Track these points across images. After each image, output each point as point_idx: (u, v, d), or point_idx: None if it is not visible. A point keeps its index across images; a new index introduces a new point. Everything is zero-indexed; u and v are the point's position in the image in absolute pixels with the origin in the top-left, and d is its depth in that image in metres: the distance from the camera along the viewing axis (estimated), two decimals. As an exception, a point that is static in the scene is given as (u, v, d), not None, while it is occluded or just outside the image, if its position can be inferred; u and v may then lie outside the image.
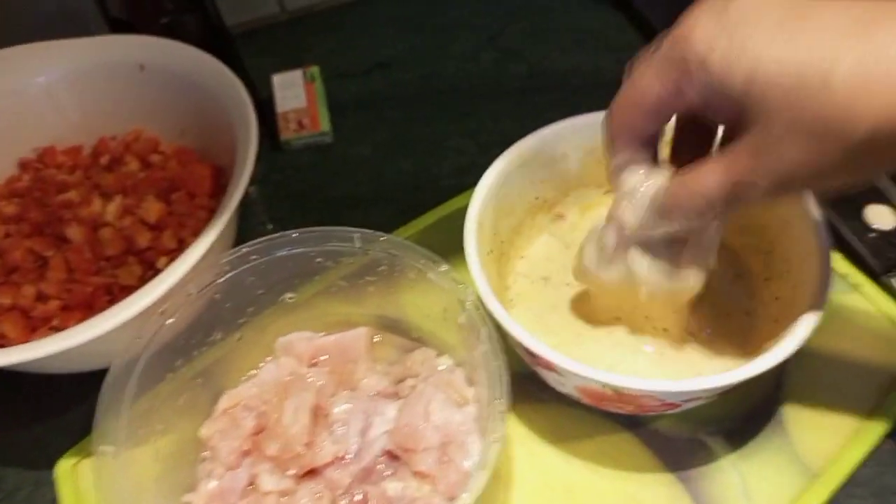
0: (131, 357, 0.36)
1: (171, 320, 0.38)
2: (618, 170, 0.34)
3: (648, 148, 0.33)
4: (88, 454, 0.43)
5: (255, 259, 0.40)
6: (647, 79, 0.30)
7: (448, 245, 0.40)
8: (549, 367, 0.35)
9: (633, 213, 0.33)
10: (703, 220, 0.32)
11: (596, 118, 0.45)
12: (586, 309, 0.42)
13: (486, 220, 0.40)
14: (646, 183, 0.33)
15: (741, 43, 0.26)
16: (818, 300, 0.34)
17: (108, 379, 0.36)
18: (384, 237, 0.39)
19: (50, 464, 0.43)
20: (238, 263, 0.39)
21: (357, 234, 0.40)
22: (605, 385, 0.34)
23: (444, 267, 0.38)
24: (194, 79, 0.48)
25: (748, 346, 0.39)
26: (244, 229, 0.55)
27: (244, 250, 0.40)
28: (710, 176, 0.30)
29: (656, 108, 0.30)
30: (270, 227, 0.56)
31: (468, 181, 0.56)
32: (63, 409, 0.46)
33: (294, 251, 0.40)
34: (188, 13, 0.51)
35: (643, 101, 0.30)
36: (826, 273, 0.34)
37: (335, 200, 0.56)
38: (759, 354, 0.33)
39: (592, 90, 0.62)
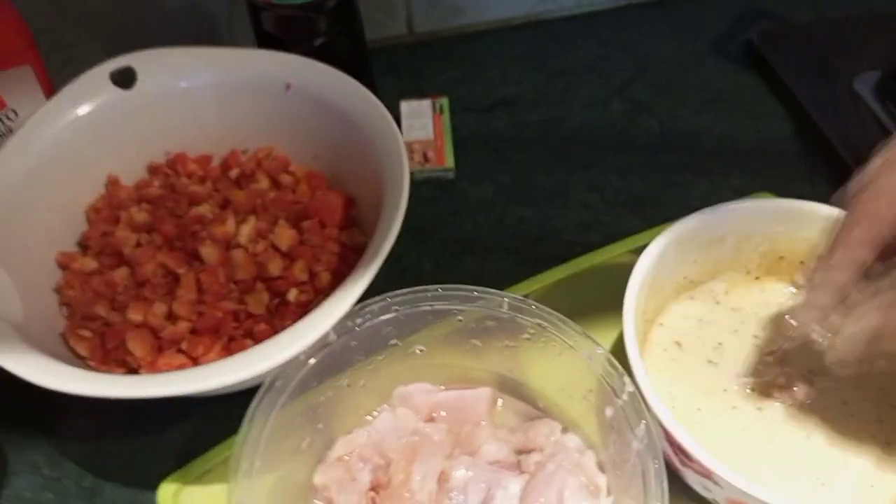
0: (271, 395, 0.35)
1: (307, 366, 0.37)
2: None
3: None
4: (191, 480, 0.42)
5: (397, 310, 0.38)
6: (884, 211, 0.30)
7: (573, 306, 0.39)
8: (706, 475, 0.33)
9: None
10: None
11: (760, 206, 0.43)
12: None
13: (640, 306, 0.39)
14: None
15: None
16: None
17: (249, 415, 0.35)
18: (535, 305, 0.38)
19: (149, 483, 0.42)
20: (380, 313, 0.38)
21: (507, 299, 0.38)
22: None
23: (600, 349, 0.36)
24: (340, 105, 0.47)
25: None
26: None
27: (388, 300, 0.38)
28: None
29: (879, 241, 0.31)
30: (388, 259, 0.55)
31: (593, 239, 0.55)
32: (162, 426, 0.45)
33: (437, 307, 0.39)
34: (340, 36, 0.49)
35: (878, 239, 0.31)
36: None
37: (454, 241, 0.55)
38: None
39: (725, 156, 0.60)
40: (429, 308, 0.39)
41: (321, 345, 0.37)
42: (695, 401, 0.40)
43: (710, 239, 0.42)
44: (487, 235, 0.55)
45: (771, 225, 0.42)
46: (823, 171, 0.57)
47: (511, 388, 0.43)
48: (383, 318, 0.38)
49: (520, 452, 0.40)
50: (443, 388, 0.43)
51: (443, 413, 0.42)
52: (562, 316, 0.37)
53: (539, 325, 0.38)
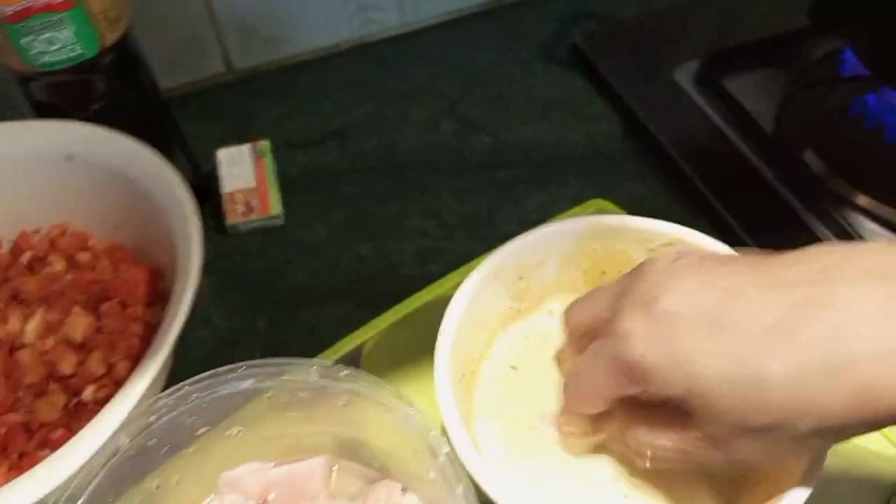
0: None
1: (97, 479, 0.33)
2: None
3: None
4: None
5: (196, 398, 0.35)
6: (598, 380, 0.31)
7: (412, 348, 0.37)
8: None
9: None
10: None
11: (574, 225, 0.42)
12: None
13: (458, 348, 0.37)
14: None
15: (675, 355, 0.27)
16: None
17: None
18: (346, 371, 0.35)
19: None
20: (176, 404, 0.35)
21: (315, 366, 0.36)
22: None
23: (413, 410, 0.34)
24: (128, 171, 0.43)
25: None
26: (190, 326, 0.49)
27: (185, 389, 0.35)
28: (674, 450, 0.30)
29: (605, 400, 0.32)
30: (218, 323, 0.51)
31: (432, 270, 0.53)
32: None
33: (242, 387, 0.36)
34: (125, 93, 0.45)
35: (595, 399, 0.32)
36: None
37: (288, 292, 0.52)
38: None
39: (560, 164, 0.59)
40: (232, 390, 0.36)
41: (111, 453, 0.33)
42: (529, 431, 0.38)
43: (528, 266, 0.40)
44: (324, 281, 0.52)
45: (586, 242, 0.41)
46: (655, 168, 0.58)
47: (350, 448, 0.40)
48: (182, 408, 0.35)
49: (361, 521, 0.38)
50: (273, 464, 0.40)
51: (275, 493, 0.39)
52: (374, 378, 0.35)
53: (351, 390, 0.35)
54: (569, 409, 0.35)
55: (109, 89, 0.45)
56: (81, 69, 0.43)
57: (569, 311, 0.36)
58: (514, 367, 0.41)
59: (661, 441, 0.30)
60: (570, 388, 0.35)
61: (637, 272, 0.31)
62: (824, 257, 0.27)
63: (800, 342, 0.25)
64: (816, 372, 0.25)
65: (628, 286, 0.30)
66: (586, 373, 0.33)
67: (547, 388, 0.39)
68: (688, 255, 0.30)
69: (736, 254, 0.34)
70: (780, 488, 0.31)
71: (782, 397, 0.25)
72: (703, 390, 0.27)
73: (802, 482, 0.30)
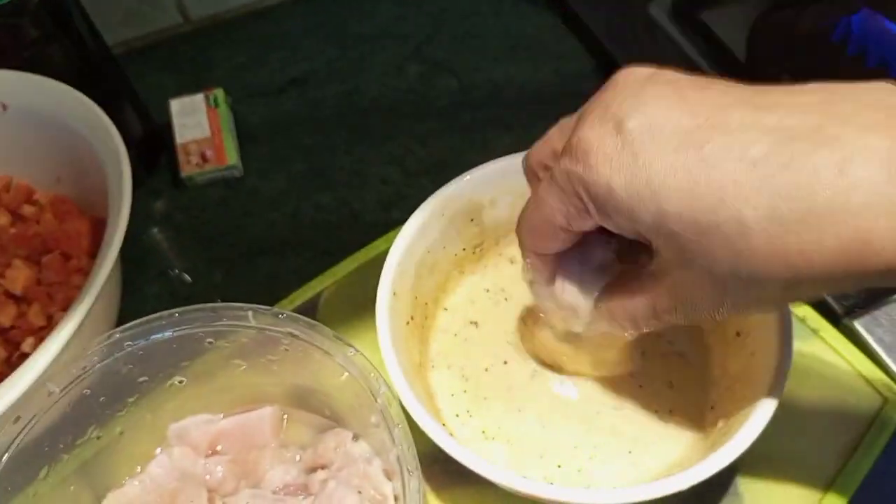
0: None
1: (29, 426, 0.32)
2: (533, 284, 0.32)
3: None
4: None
5: (129, 346, 0.34)
6: (550, 204, 0.26)
7: (370, 297, 0.35)
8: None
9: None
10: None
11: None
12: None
13: (405, 288, 0.35)
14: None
15: (646, 176, 0.23)
16: (776, 383, 0.29)
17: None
18: (282, 314, 0.34)
19: None
20: (109, 352, 0.33)
21: (250, 310, 0.34)
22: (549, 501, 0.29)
23: (352, 351, 0.33)
24: (63, 119, 0.42)
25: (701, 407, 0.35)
26: (144, 280, 0.49)
27: (116, 336, 0.33)
28: (637, 307, 0.28)
29: (565, 230, 0.27)
30: (175, 271, 0.50)
31: (394, 217, 0.51)
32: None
33: (178, 333, 0.34)
34: (55, 42, 0.43)
35: (550, 228, 0.28)
36: (786, 352, 0.30)
37: (247, 243, 0.50)
38: (712, 430, 0.29)
39: (529, 104, 0.57)
40: (169, 335, 0.34)
41: (41, 403, 0.32)
42: (488, 388, 0.37)
43: (480, 205, 0.39)
44: (283, 231, 0.51)
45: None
46: (627, 105, 0.55)
47: (299, 396, 0.39)
48: (116, 356, 0.34)
49: (312, 470, 0.37)
50: (223, 415, 0.39)
51: (225, 444, 0.38)
52: (311, 321, 0.34)
53: (291, 334, 0.34)
54: (524, 244, 0.30)
55: (41, 36, 0.43)
56: (5, 13, 0.41)
57: (528, 153, 0.31)
58: (474, 323, 0.40)
59: (636, 309, 0.28)
60: (525, 217, 0.29)
61: (605, 86, 0.26)
62: (824, 93, 0.23)
63: (791, 182, 0.21)
64: (808, 219, 0.21)
65: (593, 100, 0.26)
66: (542, 199, 0.27)
67: (509, 345, 0.38)
68: (665, 72, 0.25)
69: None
70: (753, 392, 0.30)
71: (761, 244, 0.22)
72: (671, 229, 0.23)
73: (773, 388, 0.29)
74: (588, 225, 0.26)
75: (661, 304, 0.27)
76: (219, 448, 0.38)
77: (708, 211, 0.22)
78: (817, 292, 0.25)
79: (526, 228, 0.29)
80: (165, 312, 0.34)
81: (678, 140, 0.23)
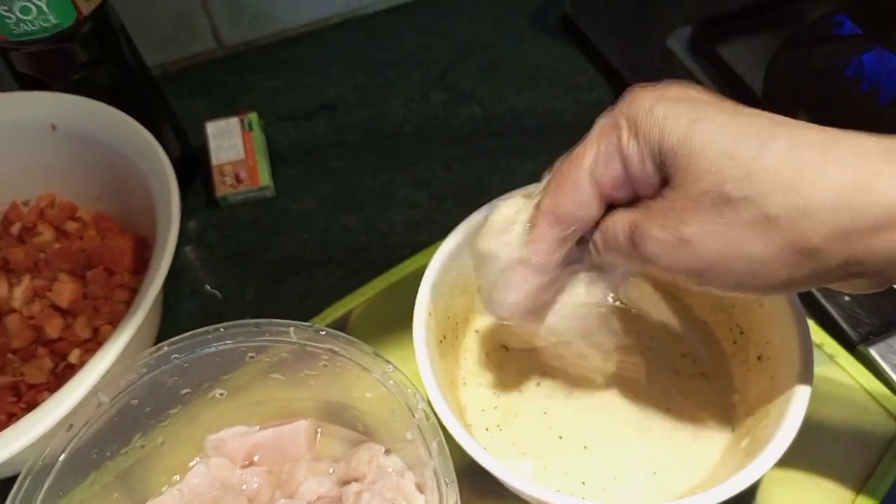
0: (34, 479, 0.32)
1: (80, 434, 0.33)
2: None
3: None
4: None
5: (176, 359, 0.35)
6: (583, 145, 0.30)
7: (400, 315, 0.36)
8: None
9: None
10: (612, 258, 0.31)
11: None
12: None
13: (439, 308, 0.37)
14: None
15: (677, 116, 0.27)
16: (797, 407, 0.31)
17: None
18: (322, 331, 0.35)
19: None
20: (157, 364, 0.35)
21: (292, 327, 0.36)
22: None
23: (391, 367, 0.34)
24: (109, 140, 0.43)
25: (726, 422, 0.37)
26: (178, 297, 0.50)
27: (165, 349, 0.35)
28: (616, 220, 0.30)
29: (589, 185, 0.30)
30: (208, 288, 0.51)
31: (421, 238, 0.53)
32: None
33: (222, 347, 0.36)
34: (101, 65, 0.45)
35: (575, 174, 0.30)
36: (807, 376, 0.31)
37: (278, 262, 0.52)
38: (736, 452, 0.31)
39: (549, 132, 0.59)
40: (213, 350, 0.36)
41: (91, 412, 0.33)
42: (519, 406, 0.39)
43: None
44: (312, 251, 0.52)
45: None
46: (645, 134, 0.57)
47: (333, 411, 0.40)
48: (163, 368, 0.35)
49: (345, 483, 0.38)
50: (258, 427, 0.40)
51: (261, 456, 0.39)
52: (350, 338, 0.35)
53: (331, 350, 0.35)
54: (542, 206, 0.32)
55: (89, 60, 0.45)
56: (58, 39, 0.43)
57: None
58: (503, 347, 0.41)
59: (614, 222, 0.30)
60: (553, 174, 0.32)
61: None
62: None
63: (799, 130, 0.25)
64: (825, 159, 0.24)
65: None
66: (576, 149, 0.31)
67: (541, 366, 0.40)
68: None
69: None
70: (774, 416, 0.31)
71: (760, 180, 0.25)
72: (693, 148, 0.26)
73: (794, 412, 0.31)
74: (612, 172, 0.29)
75: (644, 221, 0.28)
76: (255, 459, 0.39)
77: (730, 141, 0.26)
78: (817, 266, 0.25)
79: (552, 186, 0.32)
80: (211, 327, 0.36)
81: (714, 105, 0.27)
